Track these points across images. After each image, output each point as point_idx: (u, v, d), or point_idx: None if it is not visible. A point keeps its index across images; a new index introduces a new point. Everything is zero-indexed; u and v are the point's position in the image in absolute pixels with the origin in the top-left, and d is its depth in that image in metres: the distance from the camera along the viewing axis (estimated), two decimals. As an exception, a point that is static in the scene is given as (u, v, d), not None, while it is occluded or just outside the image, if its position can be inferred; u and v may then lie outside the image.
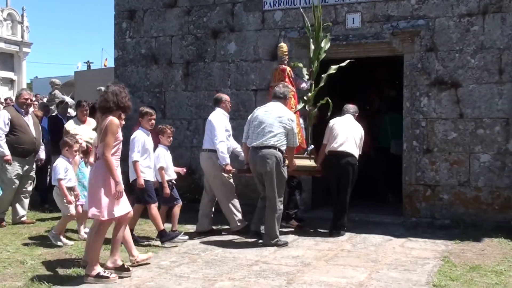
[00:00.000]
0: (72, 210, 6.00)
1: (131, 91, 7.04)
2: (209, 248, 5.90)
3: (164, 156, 6.22)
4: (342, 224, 6.59)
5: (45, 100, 12.83)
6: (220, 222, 6.87)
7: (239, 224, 6.55)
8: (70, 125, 7.36)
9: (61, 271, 4.92)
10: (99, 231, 4.71)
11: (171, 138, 6.41)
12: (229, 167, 6.36)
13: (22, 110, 7.02)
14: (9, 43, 27.16)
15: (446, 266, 5.17)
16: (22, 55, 28.15)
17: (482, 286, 4.57)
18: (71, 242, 6.02)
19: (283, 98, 6.26)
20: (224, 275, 4.85)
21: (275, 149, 5.96)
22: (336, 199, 6.68)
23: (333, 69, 6.83)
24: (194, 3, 8.50)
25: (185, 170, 6.69)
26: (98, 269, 4.62)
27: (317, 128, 7.04)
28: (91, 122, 7.50)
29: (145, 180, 5.84)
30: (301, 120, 6.82)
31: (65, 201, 5.93)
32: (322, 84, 6.83)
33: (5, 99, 13.89)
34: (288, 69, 6.80)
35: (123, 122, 5.11)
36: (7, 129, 6.80)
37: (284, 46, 6.93)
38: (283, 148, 6.04)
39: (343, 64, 6.80)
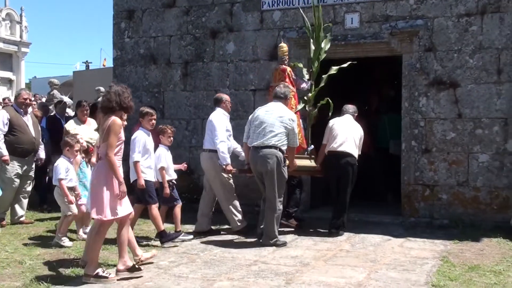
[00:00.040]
0: (74, 210, 5.99)
1: (130, 91, 7.03)
2: (208, 248, 5.90)
3: (165, 156, 6.23)
4: (341, 224, 6.60)
5: (43, 100, 12.82)
6: (219, 222, 6.87)
7: (239, 224, 6.56)
8: (70, 125, 7.35)
9: (60, 271, 4.92)
10: (99, 232, 4.71)
11: (172, 138, 6.41)
12: (229, 167, 6.36)
13: (21, 110, 7.01)
14: (7, 43, 27.12)
15: (445, 266, 5.17)
16: (21, 55, 28.11)
17: (481, 286, 4.57)
18: (70, 243, 6.00)
19: (283, 98, 6.27)
20: (223, 275, 4.85)
21: (276, 149, 5.96)
22: (336, 199, 6.69)
23: (334, 69, 6.83)
24: (193, 3, 8.49)
25: (185, 166, 6.69)
26: (97, 269, 4.61)
27: (316, 128, 7.04)
28: (91, 122, 7.50)
29: (146, 181, 5.83)
30: (300, 120, 6.82)
31: (66, 200, 5.92)
32: (322, 84, 6.84)
33: (3, 99, 13.87)
34: (289, 69, 6.80)
35: (125, 123, 5.11)
36: (6, 129, 6.79)
37: (284, 46, 6.93)
38: (284, 148, 6.05)
39: (345, 65, 6.80)
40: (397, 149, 7.83)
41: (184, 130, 8.52)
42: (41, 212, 7.94)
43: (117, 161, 4.66)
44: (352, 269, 5.06)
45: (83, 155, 6.42)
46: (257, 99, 8.07)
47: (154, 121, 6.07)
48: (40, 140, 7.36)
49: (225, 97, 6.79)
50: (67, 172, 5.96)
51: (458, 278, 4.75)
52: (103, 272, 4.63)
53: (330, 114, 6.88)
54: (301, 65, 7.13)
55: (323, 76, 6.86)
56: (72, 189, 6.01)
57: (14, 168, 6.91)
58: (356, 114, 6.99)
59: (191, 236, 6.33)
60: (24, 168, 7.04)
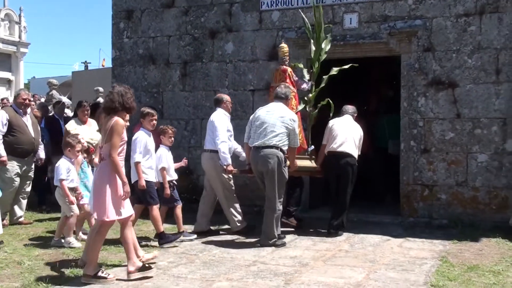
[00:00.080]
0: (75, 210, 5.98)
1: (129, 92, 7.02)
2: (207, 249, 5.90)
3: (165, 157, 6.23)
4: (340, 225, 6.60)
5: (42, 100, 12.80)
6: (218, 222, 6.87)
7: (238, 224, 6.57)
8: (71, 125, 7.34)
9: (58, 272, 4.92)
10: (99, 232, 4.71)
11: (173, 139, 6.42)
12: (230, 168, 6.35)
13: (21, 111, 7.00)
14: (6, 43, 27.07)
15: (444, 266, 5.17)
16: (20, 55, 28.06)
17: (480, 286, 4.57)
18: (79, 244, 5.99)
19: (284, 99, 6.28)
20: (222, 275, 4.84)
21: (277, 149, 5.96)
22: (335, 199, 6.69)
23: (334, 70, 6.84)
24: (192, 3, 8.49)
25: (185, 161, 6.69)
26: (96, 269, 4.61)
27: (316, 129, 7.04)
28: (92, 123, 7.50)
29: (147, 181, 5.82)
30: (301, 121, 6.82)
31: (67, 201, 5.91)
32: (322, 85, 6.84)
33: (2, 99, 13.83)
34: (289, 69, 6.81)
35: (128, 123, 5.11)
36: (5, 129, 6.78)
37: (285, 46, 6.93)
38: (285, 148, 6.05)
39: (346, 66, 6.80)
40: (396, 149, 7.84)
41: (183, 130, 8.52)
42: (40, 212, 7.94)
43: (120, 162, 4.67)
44: (351, 269, 5.06)
45: (84, 155, 6.43)
46: (256, 99, 8.07)
47: (155, 122, 6.06)
48: (40, 140, 7.35)
49: (226, 97, 6.79)
50: (69, 172, 5.95)
51: (457, 278, 4.75)
52: (102, 272, 4.63)
53: (331, 114, 6.89)
54: (301, 65, 7.14)
55: (323, 77, 6.86)
56: (73, 189, 6.00)
57: (14, 168, 6.90)
58: (355, 115, 7.00)
59: (195, 236, 6.34)
60: (24, 168, 7.04)
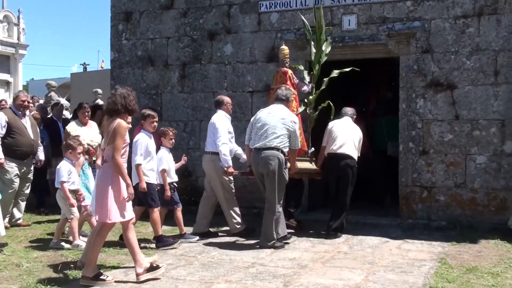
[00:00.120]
0: (76, 213, 5.97)
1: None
2: (205, 251, 5.89)
3: (166, 159, 6.23)
4: (339, 226, 6.60)
5: (41, 101, 12.78)
6: (217, 224, 6.86)
7: (238, 226, 6.57)
8: (71, 127, 7.34)
9: (57, 274, 4.91)
10: (100, 234, 4.71)
11: (173, 140, 6.42)
12: (231, 170, 6.35)
13: (20, 112, 6.99)
14: (5, 45, 27.05)
15: (442, 268, 5.17)
16: (18, 57, 28.03)
17: (478, 288, 4.57)
18: (68, 245, 5.99)
19: (285, 101, 6.29)
20: (221, 277, 4.84)
21: (278, 151, 5.97)
22: (335, 200, 6.70)
23: (335, 73, 6.85)
24: (191, 5, 8.50)
25: (185, 158, 6.68)
26: (95, 271, 4.60)
27: (317, 131, 7.05)
28: (92, 125, 7.50)
29: (149, 183, 5.81)
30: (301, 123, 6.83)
31: (68, 203, 5.90)
32: (323, 87, 6.85)
33: (0, 101, 13.81)
34: (290, 72, 6.81)
35: (130, 125, 5.11)
36: (3, 131, 6.77)
37: (285, 49, 6.94)
38: (286, 150, 6.06)
39: (347, 69, 6.81)
40: (395, 151, 7.85)
41: (181, 132, 8.51)
42: (39, 214, 7.93)
43: (123, 164, 4.67)
44: (350, 271, 5.05)
45: (86, 156, 6.43)
46: (255, 101, 8.08)
47: (155, 123, 6.06)
48: (39, 142, 7.34)
49: (226, 99, 6.79)
50: (70, 174, 5.94)
51: (455, 280, 4.75)
52: (101, 274, 4.62)
53: (332, 117, 6.90)
54: (301, 67, 7.15)
55: (324, 79, 6.87)
56: (74, 191, 5.99)
57: (14, 169, 6.89)
58: (354, 116, 7.01)
59: (197, 238, 6.34)
60: (23, 170, 7.03)
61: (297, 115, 6.55)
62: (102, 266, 5.05)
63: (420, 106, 7.29)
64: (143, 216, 6.10)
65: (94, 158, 6.99)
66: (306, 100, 6.89)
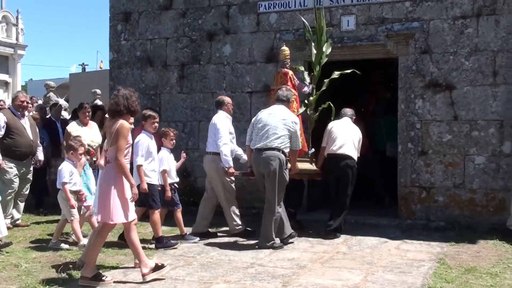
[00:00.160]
0: (76, 215, 5.95)
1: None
2: (204, 251, 5.89)
3: (167, 159, 6.24)
4: (338, 226, 6.60)
5: (40, 102, 12.78)
6: (216, 224, 6.86)
7: (237, 227, 6.57)
8: (72, 127, 7.33)
9: (55, 274, 4.91)
10: (100, 234, 4.72)
11: (174, 141, 6.43)
12: (232, 170, 6.35)
13: (19, 113, 6.98)
14: (3, 46, 27.03)
15: (441, 268, 5.18)
16: (17, 57, 28.01)
17: (477, 288, 4.58)
18: (67, 246, 5.99)
19: (286, 101, 6.30)
20: (220, 277, 4.84)
21: (279, 151, 5.98)
22: (335, 200, 6.71)
23: (336, 74, 6.86)
24: (190, 5, 8.50)
25: (184, 155, 6.68)
26: (94, 272, 4.60)
27: (317, 132, 7.06)
28: (93, 125, 7.50)
29: (150, 184, 5.80)
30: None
31: (68, 205, 5.89)
32: (323, 88, 6.86)
33: (-2, 101, 13.80)
34: (290, 72, 6.82)
35: (132, 126, 5.11)
36: (2, 132, 6.76)
37: (286, 49, 6.94)
38: (287, 150, 6.07)
39: (348, 71, 6.82)
40: (394, 152, 7.85)
41: (180, 133, 8.49)
42: (37, 215, 7.93)
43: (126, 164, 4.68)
44: (349, 272, 5.06)
45: (88, 157, 6.43)
46: (254, 101, 8.08)
47: (156, 124, 6.06)
48: (38, 142, 7.33)
49: (227, 99, 6.79)
50: (71, 175, 5.93)
51: (454, 280, 4.75)
52: (100, 275, 4.62)
53: (332, 118, 6.92)
54: (302, 68, 7.16)
55: (324, 80, 6.88)
56: (76, 192, 5.98)
57: (13, 169, 6.88)
58: (354, 117, 7.04)
59: (197, 238, 6.35)
60: (22, 171, 7.01)
61: (297, 116, 6.56)
62: (101, 266, 5.05)
63: (419, 106, 7.29)
64: (142, 216, 6.09)
65: (94, 159, 6.99)
66: (306, 101, 6.90)
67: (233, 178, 6.52)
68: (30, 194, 7.59)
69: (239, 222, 6.59)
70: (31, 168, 7.24)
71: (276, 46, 7.92)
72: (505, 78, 6.90)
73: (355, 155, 6.70)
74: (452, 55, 7.12)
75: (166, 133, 6.35)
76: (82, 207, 6.17)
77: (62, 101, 11.35)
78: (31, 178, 7.27)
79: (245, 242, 6.31)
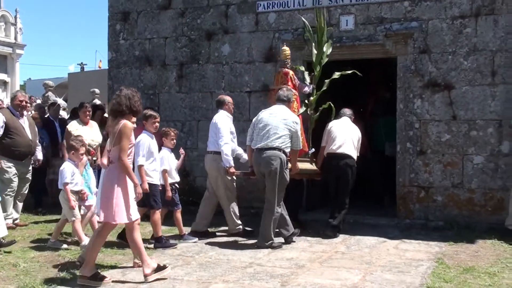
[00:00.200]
0: (78, 216, 5.94)
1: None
2: (203, 250, 5.89)
3: (167, 159, 6.24)
4: (338, 225, 6.60)
5: (38, 101, 12.76)
6: (215, 224, 6.86)
7: (237, 227, 6.57)
8: (72, 126, 7.32)
9: (54, 274, 4.90)
10: (101, 234, 4.72)
11: (175, 141, 6.42)
12: (232, 170, 6.35)
13: (17, 113, 6.96)
14: (2, 45, 27.05)
15: (440, 267, 5.18)
16: (16, 57, 28.02)
17: (475, 288, 4.58)
18: (65, 245, 5.98)
19: (287, 101, 6.32)
20: (218, 277, 4.84)
21: (280, 151, 5.99)
22: (335, 199, 6.72)
23: (336, 75, 6.88)
24: (188, 5, 8.49)
25: (182, 151, 6.67)
26: (93, 271, 4.60)
27: (317, 132, 7.07)
28: (93, 124, 7.49)
29: (152, 184, 5.79)
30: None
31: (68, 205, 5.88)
32: (324, 88, 6.87)
33: (-4, 101, 13.78)
34: (291, 72, 6.83)
35: (134, 125, 5.11)
36: (1, 132, 6.74)
37: (287, 49, 6.95)
38: (288, 150, 6.08)
39: (348, 72, 6.83)
40: (393, 151, 7.85)
41: (179, 132, 8.46)
42: (36, 214, 7.91)
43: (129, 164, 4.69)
44: (347, 271, 5.06)
45: (89, 157, 6.42)
46: (253, 101, 8.08)
47: (157, 124, 6.05)
48: (37, 141, 7.32)
49: (228, 98, 6.79)
50: (73, 176, 5.92)
51: (453, 280, 4.75)
52: (99, 274, 4.62)
53: (332, 118, 6.93)
54: (302, 68, 7.16)
55: (325, 80, 6.89)
56: (77, 192, 5.97)
57: (12, 169, 6.86)
58: (353, 117, 7.06)
59: (196, 239, 6.34)
60: (21, 170, 7.00)
61: (298, 115, 6.57)
62: (100, 265, 5.04)
63: (417, 106, 7.30)
64: (142, 216, 6.08)
65: (94, 158, 6.98)
66: (307, 101, 6.91)
67: (234, 178, 6.52)
68: (29, 194, 7.58)
69: (239, 222, 6.59)
70: (30, 168, 7.22)
71: (275, 46, 7.92)
72: (504, 78, 6.91)
73: (354, 154, 6.71)
74: (451, 55, 7.13)
75: (167, 132, 6.36)
76: (82, 207, 6.16)
77: (60, 101, 11.30)
78: (30, 178, 7.26)
79: (244, 242, 6.31)
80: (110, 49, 9.07)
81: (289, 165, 6.19)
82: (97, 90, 12.56)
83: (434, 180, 7.20)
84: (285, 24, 7.93)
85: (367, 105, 9.74)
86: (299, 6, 7.80)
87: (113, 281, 4.64)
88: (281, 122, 6.06)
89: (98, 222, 6.31)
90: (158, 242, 5.96)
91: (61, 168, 6.00)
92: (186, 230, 6.51)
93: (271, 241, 5.98)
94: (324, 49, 6.86)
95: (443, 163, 7.16)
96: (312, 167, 6.83)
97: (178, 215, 6.33)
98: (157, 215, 5.93)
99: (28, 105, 7.45)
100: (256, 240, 6.12)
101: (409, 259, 5.55)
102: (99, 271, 4.68)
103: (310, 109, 6.92)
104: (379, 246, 6.11)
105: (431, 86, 7.22)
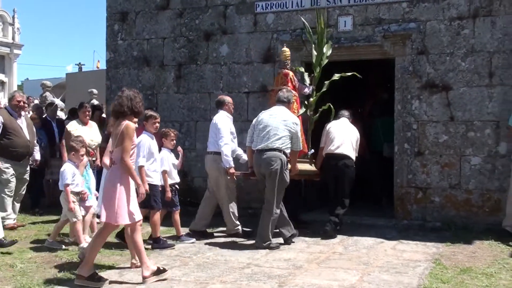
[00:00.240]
0: (79, 216, 5.93)
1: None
2: (200, 251, 5.89)
3: (167, 160, 6.23)
4: (338, 223, 6.60)
5: (36, 102, 12.75)
6: (213, 225, 6.86)
7: (235, 228, 6.57)
8: (72, 126, 7.31)
9: (51, 274, 4.89)
10: (101, 234, 4.72)
11: (175, 141, 6.42)
12: (232, 170, 6.35)
13: (15, 113, 6.93)
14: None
15: (437, 268, 5.19)
16: (13, 57, 27.95)
17: (472, 288, 4.59)
18: (62, 246, 5.97)
19: (287, 102, 6.33)
20: (216, 278, 4.84)
21: (280, 152, 6.00)
22: (334, 199, 6.73)
23: (336, 76, 6.89)
24: (187, 5, 8.49)
25: (180, 149, 6.65)
26: (91, 271, 4.59)
27: (316, 133, 7.07)
28: (92, 124, 7.48)
29: (152, 185, 5.78)
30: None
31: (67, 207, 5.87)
32: (324, 89, 6.88)
33: (-7, 101, 13.77)
34: (291, 73, 6.83)
35: (136, 125, 5.11)
36: None
37: (287, 50, 6.96)
38: (288, 151, 6.10)
39: (348, 74, 6.84)
40: (391, 152, 7.86)
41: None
42: (33, 215, 7.90)
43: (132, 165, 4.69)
44: (345, 272, 5.06)
45: (89, 158, 6.42)
46: (251, 102, 8.08)
47: (157, 124, 6.04)
48: (35, 142, 7.30)
49: (228, 99, 6.79)
50: (74, 177, 5.90)
51: (450, 281, 4.76)
52: (96, 275, 4.61)
53: (331, 119, 6.94)
54: (302, 69, 7.17)
55: (325, 82, 6.89)
56: (78, 193, 5.96)
57: (10, 170, 6.84)
58: (351, 118, 7.08)
59: (193, 239, 6.34)
60: (19, 171, 6.98)
61: (298, 116, 6.58)
62: (97, 266, 5.03)
63: (415, 107, 7.31)
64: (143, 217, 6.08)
65: (93, 159, 6.97)
66: (306, 102, 6.91)
67: (235, 178, 6.52)
68: (27, 194, 7.56)
69: (237, 223, 6.58)
70: (28, 169, 7.20)
71: (273, 47, 7.93)
72: (501, 79, 6.93)
73: (353, 154, 6.73)
74: (449, 56, 7.14)
75: (167, 133, 6.35)
76: (81, 207, 6.15)
77: (58, 101, 11.31)
78: (28, 179, 7.24)
79: (241, 242, 6.31)
80: (108, 50, 9.06)
81: (289, 165, 6.20)
82: (95, 91, 12.56)
83: (431, 181, 7.21)
84: (283, 24, 7.94)
85: (365, 106, 9.75)
86: (297, 7, 7.80)
87: (110, 282, 4.64)
88: (281, 123, 6.07)
89: (98, 223, 6.34)
90: (156, 243, 5.96)
91: (61, 169, 5.99)
92: (184, 231, 6.51)
93: (269, 242, 5.99)
94: (324, 50, 6.87)
95: (441, 164, 7.17)
96: (312, 168, 6.84)
97: (177, 216, 6.33)
98: (157, 216, 5.93)
99: (26, 105, 7.43)
100: (253, 241, 6.12)
101: (406, 259, 5.55)
102: (96, 272, 4.67)
103: (310, 110, 6.94)
104: (376, 247, 6.11)
105: (429, 87, 7.23)
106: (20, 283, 4.60)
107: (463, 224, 6.93)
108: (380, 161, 8.67)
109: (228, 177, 6.43)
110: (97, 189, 6.47)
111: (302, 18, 7.22)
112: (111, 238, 6.02)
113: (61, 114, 10.70)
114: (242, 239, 6.44)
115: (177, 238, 6.34)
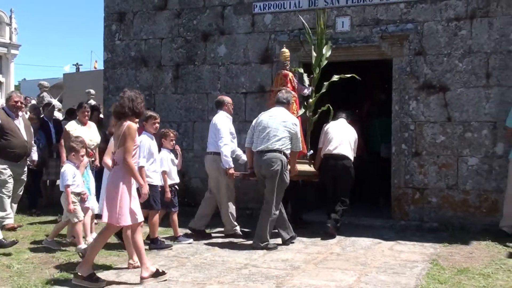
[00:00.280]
0: (81, 217, 5.92)
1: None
2: (198, 252, 5.89)
3: (167, 160, 6.23)
4: (338, 220, 6.60)
5: (33, 102, 12.73)
6: (211, 225, 6.85)
7: (233, 228, 6.56)
8: (71, 126, 7.30)
9: (48, 275, 4.89)
10: (103, 235, 4.73)
11: (174, 142, 6.42)
12: (232, 171, 6.35)
13: (13, 113, 6.91)
14: (-3, 45, 27.01)
15: (434, 269, 5.20)
16: (10, 57, 27.94)
17: (470, 289, 4.60)
18: (60, 246, 5.96)
19: (286, 103, 6.34)
20: (213, 278, 4.84)
21: (280, 153, 6.01)
22: (333, 199, 6.74)
23: (335, 77, 6.90)
24: (184, 5, 8.49)
25: (178, 148, 6.64)
26: (89, 271, 4.59)
27: (315, 134, 7.08)
28: (91, 125, 7.47)
29: (152, 185, 5.77)
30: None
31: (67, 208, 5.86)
32: (323, 91, 6.89)
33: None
34: (291, 74, 6.84)
35: (137, 125, 5.11)
36: None
37: (286, 51, 6.96)
38: (288, 152, 6.11)
39: (347, 75, 6.85)
40: (388, 153, 7.88)
41: (175, 133, 8.48)
42: (30, 215, 7.88)
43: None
44: (343, 272, 5.07)
45: (88, 158, 6.41)
46: (248, 102, 8.08)
47: (157, 125, 6.04)
48: (32, 142, 7.28)
49: (227, 99, 6.79)
50: (74, 177, 5.90)
51: (447, 281, 4.77)
52: (94, 275, 4.61)
53: (330, 120, 6.95)
54: (301, 70, 7.18)
55: (324, 83, 6.90)
56: (79, 194, 5.95)
57: (7, 170, 6.82)
58: (350, 118, 7.09)
59: (191, 240, 6.33)
60: (17, 172, 6.95)
61: (297, 117, 6.58)
62: (94, 266, 5.02)
63: (412, 108, 7.32)
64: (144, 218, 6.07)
65: (92, 159, 6.96)
66: (306, 103, 6.92)
67: (234, 179, 6.52)
68: (24, 195, 7.54)
69: (235, 223, 6.59)
70: (25, 169, 7.18)
71: (271, 47, 7.93)
72: (498, 80, 6.94)
73: (351, 155, 6.74)
74: (446, 57, 7.16)
75: (166, 134, 6.36)
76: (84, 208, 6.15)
77: (55, 101, 11.29)
78: (25, 179, 7.22)
79: (239, 243, 6.31)
80: (105, 50, 9.05)
81: (289, 166, 6.20)
82: (92, 91, 12.54)
83: (429, 181, 7.22)
84: (281, 25, 7.94)
85: (363, 106, 9.75)
86: (295, 8, 7.80)
87: (107, 282, 4.63)
88: (280, 124, 6.08)
89: (96, 223, 6.34)
90: (154, 243, 5.95)
91: (62, 170, 5.98)
92: (181, 231, 6.50)
93: (266, 242, 5.99)
94: (324, 51, 6.88)
95: (438, 164, 7.18)
96: (311, 168, 6.85)
97: (175, 217, 6.33)
98: (156, 217, 5.95)
99: (23, 106, 7.41)
100: (251, 241, 6.12)
101: (404, 260, 5.56)
102: (95, 272, 4.67)
103: (309, 111, 6.94)
104: (374, 248, 6.12)
105: (426, 87, 7.24)
106: (17, 283, 4.60)
107: (460, 225, 6.94)
108: (377, 162, 8.68)
109: (228, 178, 6.43)
110: (97, 190, 6.45)
111: (301, 19, 7.22)
112: (110, 238, 6.02)
113: (58, 115, 10.68)
114: (240, 240, 6.44)
115: (175, 238, 6.34)
